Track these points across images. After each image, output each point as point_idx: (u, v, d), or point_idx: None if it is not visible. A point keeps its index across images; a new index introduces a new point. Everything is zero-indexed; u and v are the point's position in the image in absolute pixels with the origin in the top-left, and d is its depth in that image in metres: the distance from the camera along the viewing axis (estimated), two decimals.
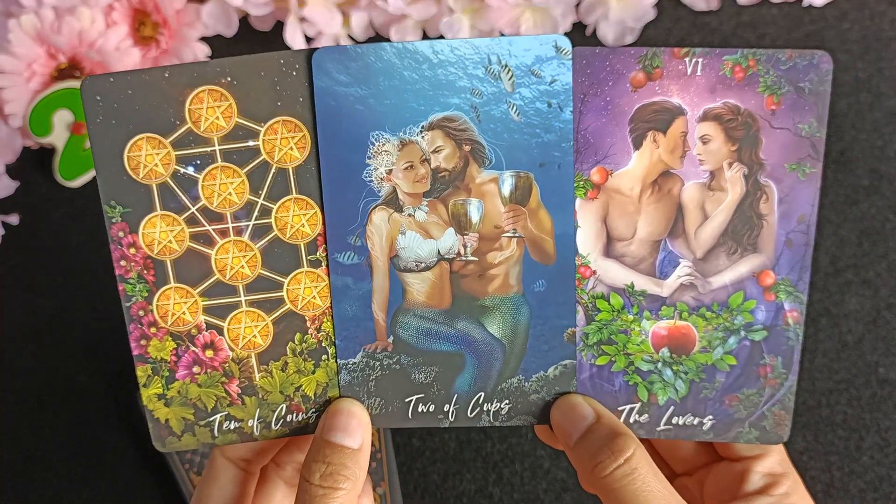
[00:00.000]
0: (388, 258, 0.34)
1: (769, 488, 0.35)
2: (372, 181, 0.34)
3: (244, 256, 0.34)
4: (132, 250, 0.34)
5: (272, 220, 0.34)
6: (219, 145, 0.33)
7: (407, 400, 0.35)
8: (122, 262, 0.34)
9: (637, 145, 0.34)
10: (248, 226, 0.34)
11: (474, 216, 0.34)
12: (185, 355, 0.35)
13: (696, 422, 0.35)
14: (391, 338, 0.35)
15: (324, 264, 0.34)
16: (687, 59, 0.33)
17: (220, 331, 0.35)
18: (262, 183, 0.34)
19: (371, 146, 0.33)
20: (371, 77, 0.33)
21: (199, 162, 0.33)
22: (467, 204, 0.34)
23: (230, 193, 0.34)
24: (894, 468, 0.55)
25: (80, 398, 0.56)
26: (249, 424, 0.35)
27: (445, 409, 0.35)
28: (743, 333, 0.35)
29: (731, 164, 0.34)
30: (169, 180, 0.34)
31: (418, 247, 0.34)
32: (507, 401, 0.35)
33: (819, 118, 0.34)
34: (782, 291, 0.34)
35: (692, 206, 0.34)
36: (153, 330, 0.35)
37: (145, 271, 0.34)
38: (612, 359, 0.35)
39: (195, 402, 0.35)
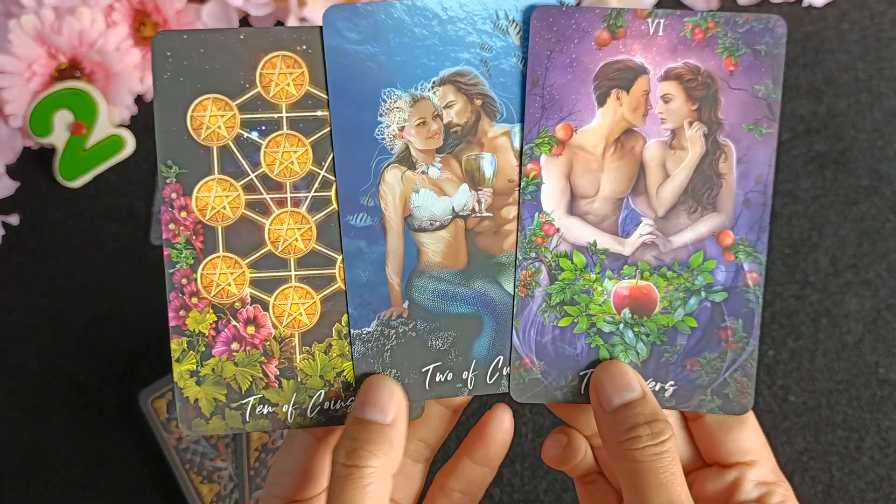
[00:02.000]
0: (401, 218, 0.34)
1: (765, 497, 0.34)
2: (384, 139, 0.33)
3: (299, 229, 0.33)
4: (183, 213, 0.33)
5: (332, 193, 0.33)
6: (286, 112, 0.33)
7: (424, 369, 0.34)
8: (171, 226, 0.33)
9: (601, 103, 0.34)
10: (306, 197, 0.33)
11: (487, 171, 0.34)
12: (225, 330, 0.33)
13: (657, 387, 0.35)
14: (406, 303, 0.34)
15: None
16: (650, 20, 0.33)
17: (265, 306, 0.33)
18: (325, 155, 0.33)
19: (383, 103, 0.33)
20: (381, 34, 0.33)
21: (264, 128, 0.33)
22: (480, 159, 0.34)
23: (292, 162, 0.33)
24: (894, 468, 0.55)
25: (80, 398, 0.56)
26: (284, 410, 0.34)
27: (464, 377, 0.34)
28: (703, 294, 0.35)
29: (691, 124, 0.34)
30: (231, 143, 0.33)
31: (432, 205, 0.34)
32: None
33: (775, 80, 0.34)
34: (741, 252, 0.35)
35: (654, 165, 0.34)
36: (194, 300, 0.33)
37: (194, 237, 0.33)
38: (575, 320, 0.35)
39: (229, 381, 0.33)
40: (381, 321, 0.34)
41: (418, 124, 0.33)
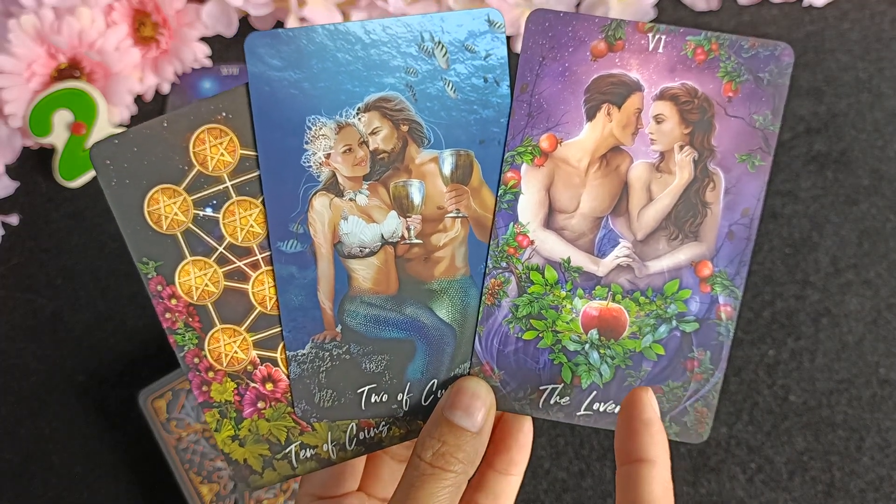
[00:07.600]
0: (331, 245, 0.34)
1: None
2: (311, 166, 0.33)
3: None
4: (173, 301, 0.34)
5: None
6: (230, 181, 0.33)
7: (359, 391, 0.35)
8: (167, 315, 0.34)
9: (590, 116, 0.33)
10: None
11: (416, 198, 0.34)
12: (248, 393, 0.35)
13: (616, 410, 0.34)
14: (339, 327, 0.34)
15: None
16: (650, 35, 0.32)
17: (273, 362, 0.34)
18: None
19: (308, 130, 0.33)
20: (304, 60, 0.32)
21: (215, 202, 0.33)
22: (408, 185, 0.34)
23: (251, 225, 0.34)
24: (894, 468, 0.55)
25: (80, 398, 0.56)
26: (325, 449, 0.35)
27: (399, 399, 0.35)
28: (674, 323, 0.34)
29: (682, 148, 0.33)
30: (191, 226, 0.33)
31: (361, 232, 0.34)
32: None
33: (775, 111, 0.33)
34: (719, 284, 0.34)
35: (638, 186, 0.33)
36: (211, 374, 0.35)
37: (190, 319, 0.34)
38: (540, 334, 0.34)
39: (267, 437, 0.35)
40: (315, 344, 0.34)
41: (344, 151, 0.33)
